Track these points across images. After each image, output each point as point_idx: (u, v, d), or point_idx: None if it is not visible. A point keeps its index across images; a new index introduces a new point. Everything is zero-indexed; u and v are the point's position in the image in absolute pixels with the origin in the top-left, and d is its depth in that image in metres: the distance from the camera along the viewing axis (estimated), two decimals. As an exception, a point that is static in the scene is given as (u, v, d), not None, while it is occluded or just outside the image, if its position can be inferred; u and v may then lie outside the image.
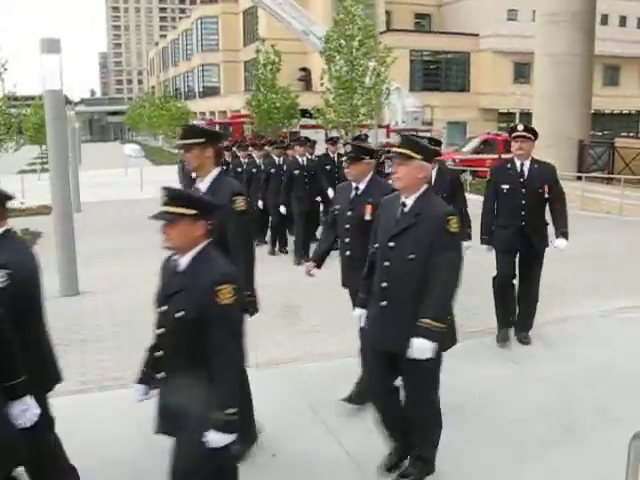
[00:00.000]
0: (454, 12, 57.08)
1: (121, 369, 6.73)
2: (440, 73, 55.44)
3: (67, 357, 6.91)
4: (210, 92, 71.31)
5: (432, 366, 4.32)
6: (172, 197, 3.57)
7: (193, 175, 5.64)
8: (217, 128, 33.22)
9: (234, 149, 15.67)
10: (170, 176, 34.45)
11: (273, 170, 13.34)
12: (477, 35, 53.60)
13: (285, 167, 13.11)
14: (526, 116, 26.98)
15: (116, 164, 37.35)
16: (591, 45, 21.34)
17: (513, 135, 7.09)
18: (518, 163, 7.13)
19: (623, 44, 54.45)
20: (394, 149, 4.49)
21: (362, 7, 24.56)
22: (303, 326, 8.34)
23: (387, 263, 4.35)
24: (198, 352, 3.47)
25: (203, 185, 4.79)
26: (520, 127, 7.11)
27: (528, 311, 7.45)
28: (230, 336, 3.50)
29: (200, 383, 3.45)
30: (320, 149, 15.39)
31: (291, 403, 5.98)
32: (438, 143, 9.54)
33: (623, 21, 56.66)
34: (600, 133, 51.26)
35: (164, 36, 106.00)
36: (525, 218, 7.08)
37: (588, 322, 8.30)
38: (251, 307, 4.82)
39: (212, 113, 63.76)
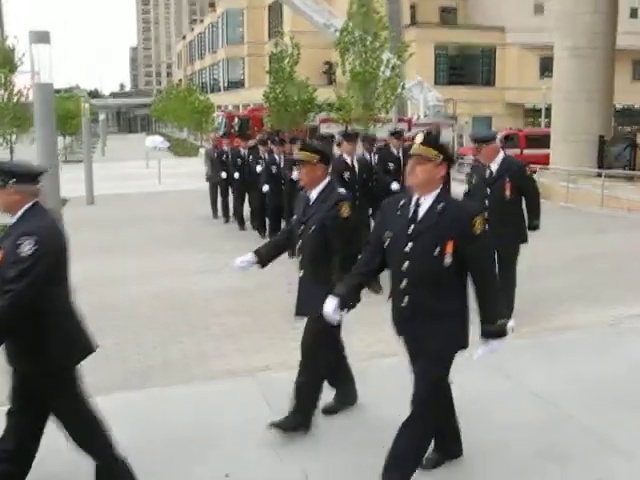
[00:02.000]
0: (480, 5, 56.31)
1: (96, 374, 6.44)
2: (465, 67, 54.80)
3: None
4: (235, 85, 71.26)
5: None
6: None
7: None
8: (236, 121, 33.05)
9: (271, 144, 14.14)
10: (190, 168, 34.59)
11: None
12: (503, 29, 52.87)
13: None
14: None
15: (139, 156, 37.47)
16: (613, 38, 20.70)
17: (409, 152, 4.26)
18: (413, 200, 4.19)
19: (653, 38, 53.34)
20: None
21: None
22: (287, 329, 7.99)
23: None
24: None
25: None
26: (418, 137, 4.17)
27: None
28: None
29: None
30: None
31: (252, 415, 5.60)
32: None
33: (654, 14, 55.48)
34: (629, 129, 50.39)
35: (192, 29, 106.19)
36: (410, 296, 4.14)
37: (595, 332, 7.61)
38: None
39: (236, 106, 63.60)
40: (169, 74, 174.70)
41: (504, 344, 4.17)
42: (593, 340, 7.32)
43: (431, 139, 4.16)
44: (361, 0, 23.85)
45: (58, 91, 58.47)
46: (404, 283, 4.13)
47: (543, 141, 23.09)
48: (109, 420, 4.43)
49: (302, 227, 5.20)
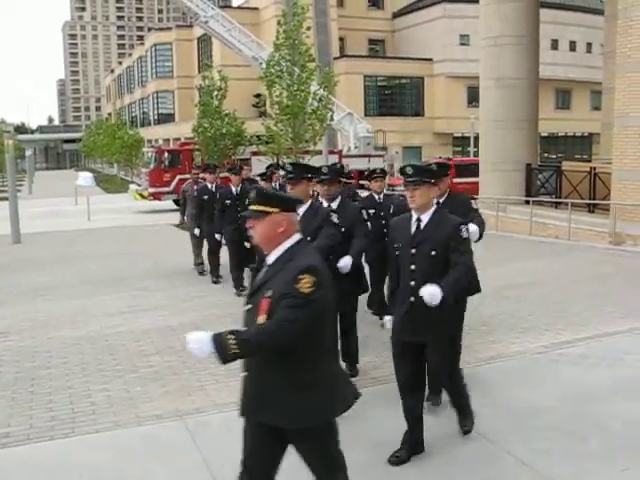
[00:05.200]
0: (407, 37, 57.39)
1: (8, 424, 6.13)
2: (394, 98, 55.66)
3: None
4: (165, 119, 70.80)
5: None
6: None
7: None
8: (166, 155, 32.68)
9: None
10: (120, 204, 33.99)
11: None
12: (430, 60, 53.97)
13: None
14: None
15: (68, 192, 36.77)
16: (536, 68, 21.17)
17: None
18: None
19: (573, 68, 55.32)
20: None
21: (304, 31, 24.20)
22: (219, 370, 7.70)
23: None
24: None
25: None
26: None
27: None
28: None
29: None
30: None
31: (184, 462, 5.34)
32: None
33: (573, 46, 57.47)
34: (554, 156, 51.87)
35: (121, 63, 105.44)
36: None
37: (525, 360, 7.56)
38: None
39: (167, 140, 63.12)
40: (98, 108, 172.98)
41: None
42: (525, 369, 7.28)
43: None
44: (287, 32, 23.87)
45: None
46: None
47: (473, 170, 23.36)
48: (30, 471, 4.17)
49: None
